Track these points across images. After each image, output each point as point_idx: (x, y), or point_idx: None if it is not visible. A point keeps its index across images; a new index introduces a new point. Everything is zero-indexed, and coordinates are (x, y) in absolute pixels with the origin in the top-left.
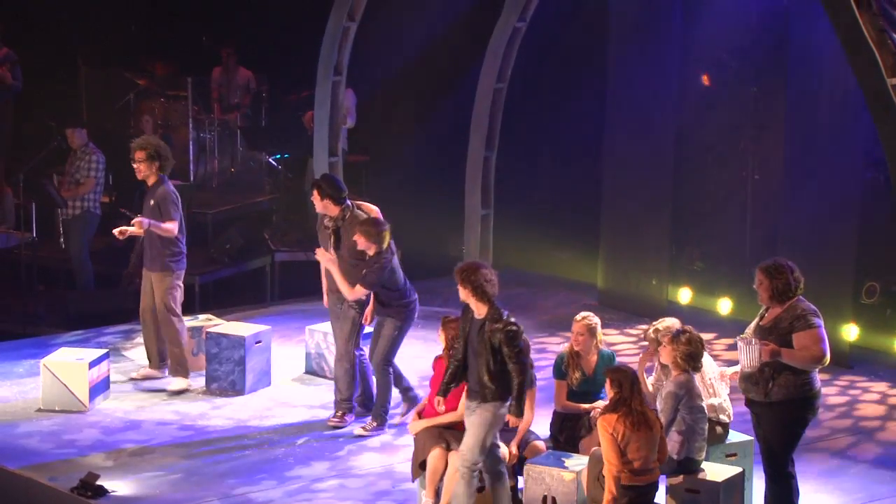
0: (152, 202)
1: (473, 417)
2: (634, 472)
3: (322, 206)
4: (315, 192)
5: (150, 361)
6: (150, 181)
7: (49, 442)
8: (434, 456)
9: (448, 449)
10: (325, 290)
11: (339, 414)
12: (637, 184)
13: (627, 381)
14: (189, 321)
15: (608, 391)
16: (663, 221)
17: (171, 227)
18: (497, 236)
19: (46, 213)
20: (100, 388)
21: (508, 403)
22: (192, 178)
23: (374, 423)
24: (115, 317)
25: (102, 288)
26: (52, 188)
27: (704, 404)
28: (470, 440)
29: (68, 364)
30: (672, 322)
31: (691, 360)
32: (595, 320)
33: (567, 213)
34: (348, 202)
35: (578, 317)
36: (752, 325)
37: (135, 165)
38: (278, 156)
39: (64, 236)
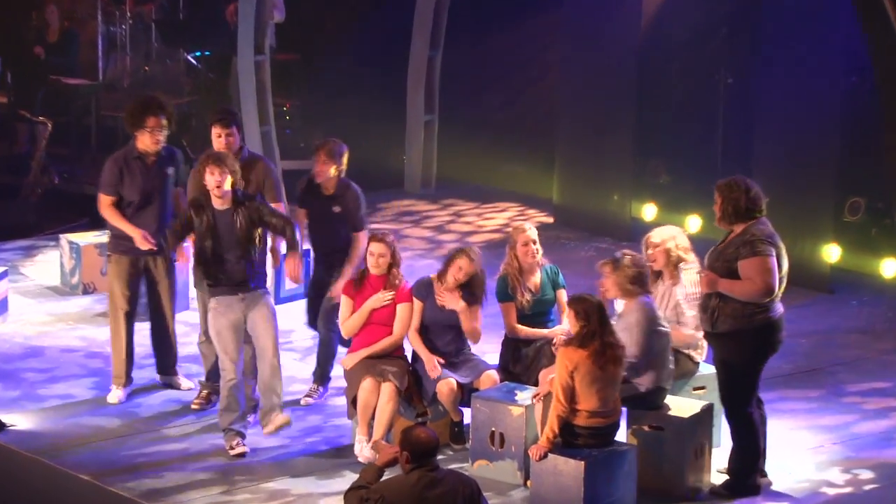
0: None
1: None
2: (596, 414)
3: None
4: (230, 128)
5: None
6: None
7: None
8: (365, 389)
9: (382, 380)
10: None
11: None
12: (597, 88)
13: (595, 312)
14: (96, 236)
15: (572, 324)
16: (625, 130)
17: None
18: (442, 145)
19: None
20: None
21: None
22: (100, 78)
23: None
24: (13, 231)
25: (0, 199)
26: None
27: (667, 328)
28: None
29: None
30: (667, 232)
31: (640, 283)
32: (535, 230)
33: (521, 120)
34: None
35: (520, 229)
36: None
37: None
38: (199, 53)
39: None
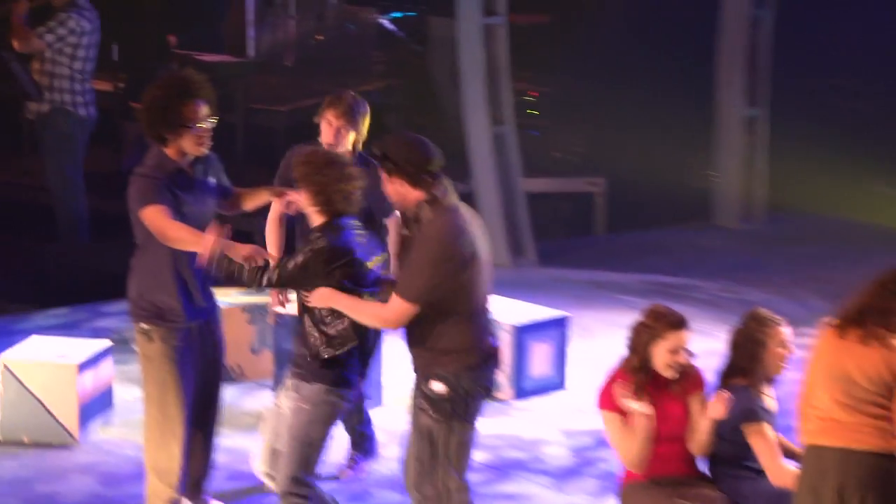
0: None
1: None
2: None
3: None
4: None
5: None
6: None
7: (12, 500)
8: None
9: None
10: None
11: None
12: None
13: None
14: (242, 295)
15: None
16: None
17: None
18: (775, 156)
19: (10, 110)
20: (96, 406)
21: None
22: (250, 52)
23: None
24: (119, 284)
25: (102, 237)
26: (19, 67)
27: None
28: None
29: (44, 366)
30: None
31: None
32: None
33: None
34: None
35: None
36: None
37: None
38: (398, 13)
39: (38, 148)
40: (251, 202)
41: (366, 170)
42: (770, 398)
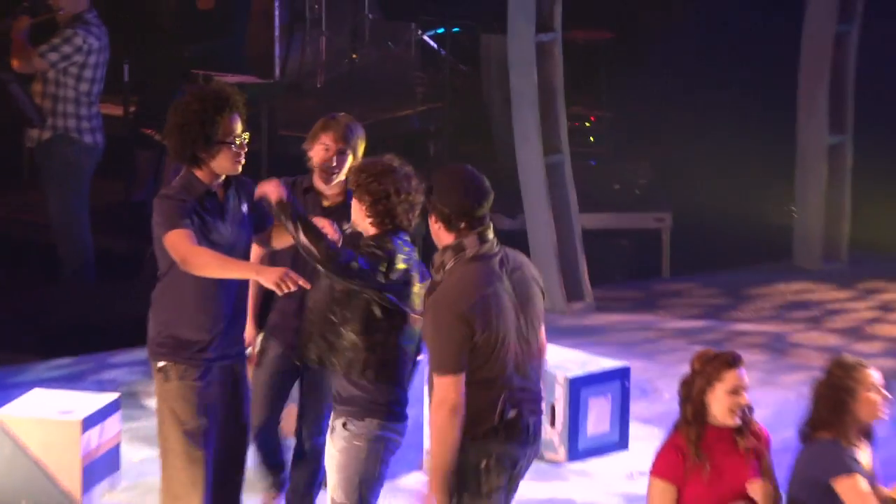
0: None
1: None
2: None
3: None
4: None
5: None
6: None
7: None
8: None
9: None
10: None
11: None
12: None
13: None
14: None
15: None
16: None
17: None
18: (861, 190)
19: (9, 137)
20: (101, 467)
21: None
22: (276, 72)
23: None
24: (128, 331)
25: (110, 278)
26: (18, 88)
27: None
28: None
29: (43, 422)
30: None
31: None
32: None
33: None
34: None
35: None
36: None
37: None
38: (440, 30)
39: (39, 180)
40: (282, 237)
41: None
42: (863, 451)
